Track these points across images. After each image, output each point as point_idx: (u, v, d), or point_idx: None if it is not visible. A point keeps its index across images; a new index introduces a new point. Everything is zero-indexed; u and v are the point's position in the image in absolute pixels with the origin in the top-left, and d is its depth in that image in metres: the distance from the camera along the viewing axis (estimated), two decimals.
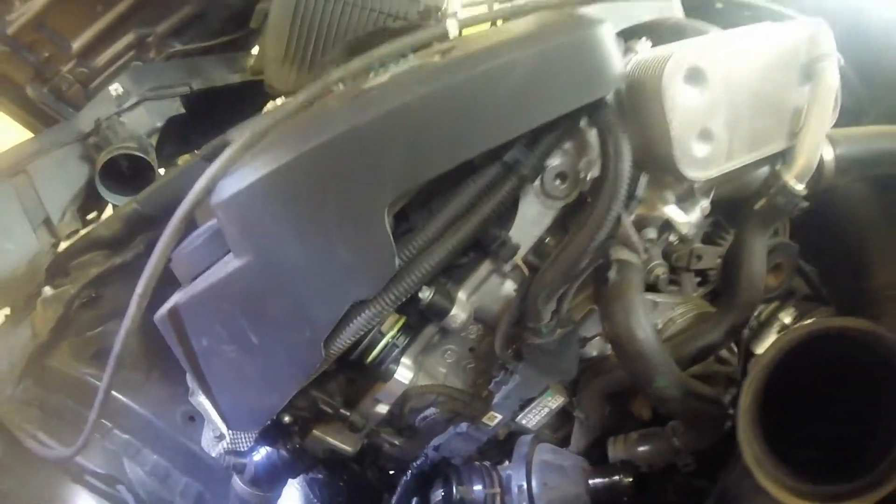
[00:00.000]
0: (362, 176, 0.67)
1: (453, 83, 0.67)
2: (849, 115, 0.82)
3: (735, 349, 0.93)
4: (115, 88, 1.18)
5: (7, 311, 1.16)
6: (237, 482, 0.92)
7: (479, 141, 0.68)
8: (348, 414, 0.84)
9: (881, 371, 0.69)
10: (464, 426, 0.87)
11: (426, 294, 0.77)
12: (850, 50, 0.82)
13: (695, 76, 0.70)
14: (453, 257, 0.75)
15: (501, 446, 0.93)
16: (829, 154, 0.81)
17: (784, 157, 0.76)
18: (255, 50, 1.41)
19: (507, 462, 0.90)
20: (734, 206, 0.85)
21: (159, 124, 1.22)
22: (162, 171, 1.23)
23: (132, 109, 1.19)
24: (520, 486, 0.85)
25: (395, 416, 0.90)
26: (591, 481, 0.87)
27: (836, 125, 0.78)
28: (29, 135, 1.38)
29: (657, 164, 0.75)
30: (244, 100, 1.36)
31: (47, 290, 1.06)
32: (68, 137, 1.17)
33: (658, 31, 0.83)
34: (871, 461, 0.67)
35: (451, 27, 0.76)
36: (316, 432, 0.87)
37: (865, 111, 1.04)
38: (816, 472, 0.68)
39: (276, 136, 0.72)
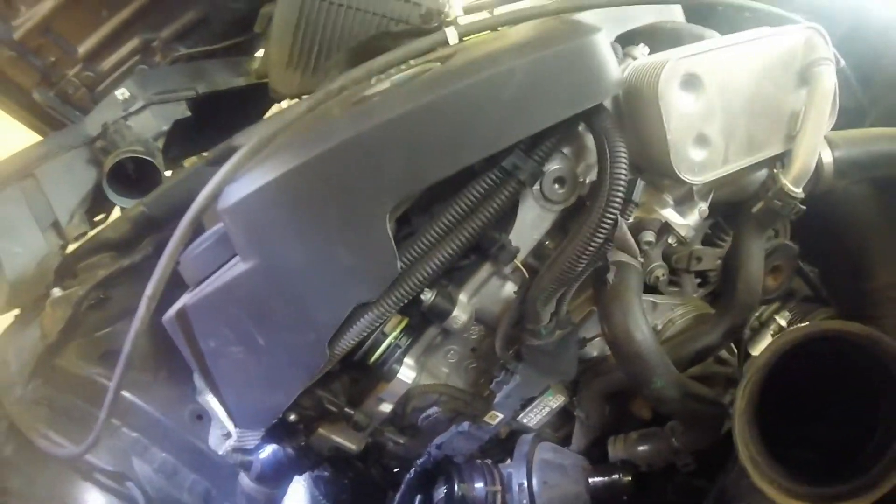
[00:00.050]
0: (364, 182, 0.69)
1: (452, 91, 0.68)
2: (849, 116, 0.83)
3: (735, 350, 0.94)
4: (121, 93, 1.18)
5: (16, 312, 1.17)
6: (244, 479, 0.93)
7: (477, 148, 0.69)
8: (352, 413, 0.85)
9: (878, 374, 0.69)
10: (466, 425, 0.89)
11: (428, 296, 0.79)
12: (851, 50, 0.82)
13: (691, 82, 0.71)
14: (454, 261, 0.76)
15: (503, 445, 0.94)
16: (827, 156, 0.82)
17: (782, 159, 0.77)
18: (259, 53, 1.42)
19: (508, 460, 0.91)
20: (734, 208, 0.86)
21: (165, 128, 1.23)
22: (168, 173, 1.24)
23: (139, 113, 1.19)
24: (520, 484, 0.87)
25: (399, 415, 0.91)
26: (591, 480, 0.88)
27: (836, 126, 0.78)
28: (36, 138, 1.39)
29: (655, 169, 0.76)
30: (249, 103, 1.37)
31: (56, 292, 1.07)
32: (75, 141, 1.18)
33: (656, 37, 0.84)
34: (867, 463, 0.68)
35: (451, 35, 0.77)
36: (321, 431, 0.89)
37: (866, 112, 1.04)
38: (813, 473, 0.69)
39: (280, 143, 0.73)
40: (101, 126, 1.18)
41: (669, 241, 0.86)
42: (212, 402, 0.84)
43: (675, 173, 0.72)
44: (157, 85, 1.23)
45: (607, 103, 0.74)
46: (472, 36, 0.83)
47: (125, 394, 1.04)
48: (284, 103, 1.29)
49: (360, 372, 0.86)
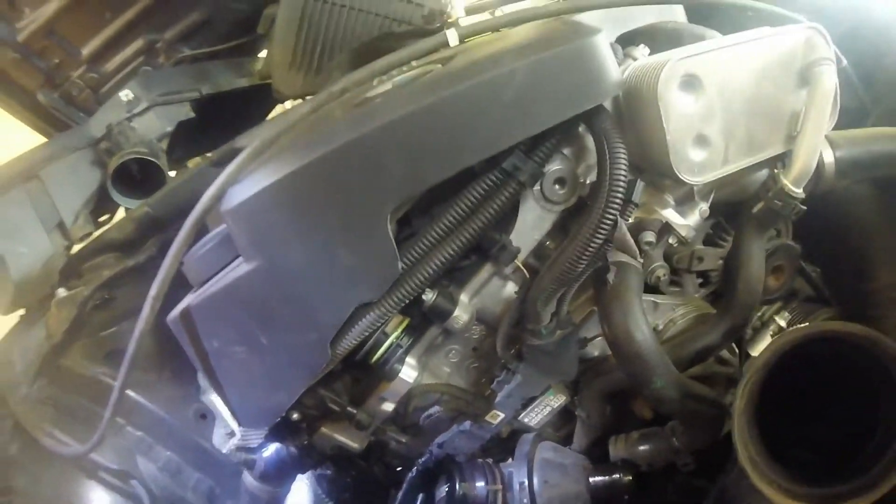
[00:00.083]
0: (365, 184, 0.69)
1: (452, 93, 0.68)
2: (851, 115, 0.83)
3: (737, 350, 0.94)
4: (125, 94, 1.19)
5: (22, 312, 1.18)
6: (247, 478, 0.93)
7: (477, 149, 0.70)
8: (355, 412, 0.86)
9: (878, 374, 0.69)
10: (467, 424, 0.89)
11: (429, 296, 0.79)
12: (853, 49, 0.82)
13: (690, 83, 0.71)
14: (455, 261, 0.76)
15: (504, 444, 0.94)
16: (829, 156, 0.81)
17: (783, 160, 0.77)
18: (262, 54, 1.42)
19: (509, 459, 0.91)
20: (735, 208, 0.86)
21: (169, 129, 1.23)
22: (172, 174, 1.25)
23: (142, 114, 1.20)
24: (521, 483, 0.87)
25: (400, 415, 0.91)
26: (591, 479, 0.88)
27: (838, 125, 0.78)
28: (39, 138, 1.40)
29: (655, 169, 0.76)
30: (252, 104, 1.37)
31: (61, 292, 1.07)
32: (80, 142, 1.18)
33: (657, 37, 0.84)
34: (867, 463, 0.68)
35: (452, 37, 0.78)
36: (324, 429, 0.89)
37: (867, 111, 1.04)
38: (812, 473, 0.69)
39: (282, 146, 0.74)
40: (105, 127, 1.19)
41: (670, 241, 0.86)
42: (216, 401, 0.84)
43: (675, 174, 0.72)
44: (160, 86, 1.24)
45: (607, 104, 0.74)
46: (473, 37, 0.83)
47: (130, 393, 1.05)
48: (288, 104, 1.29)
49: (362, 371, 0.87)
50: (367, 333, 0.76)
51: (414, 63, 0.81)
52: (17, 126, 1.41)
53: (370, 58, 0.80)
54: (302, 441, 0.90)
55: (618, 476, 0.87)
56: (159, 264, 0.75)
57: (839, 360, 0.73)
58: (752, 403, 0.69)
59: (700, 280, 0.98)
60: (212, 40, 1.34)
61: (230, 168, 0.72)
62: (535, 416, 0.91)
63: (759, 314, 1.03)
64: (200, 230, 0.76)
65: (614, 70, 0.71)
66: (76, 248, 1.17)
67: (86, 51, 1.28)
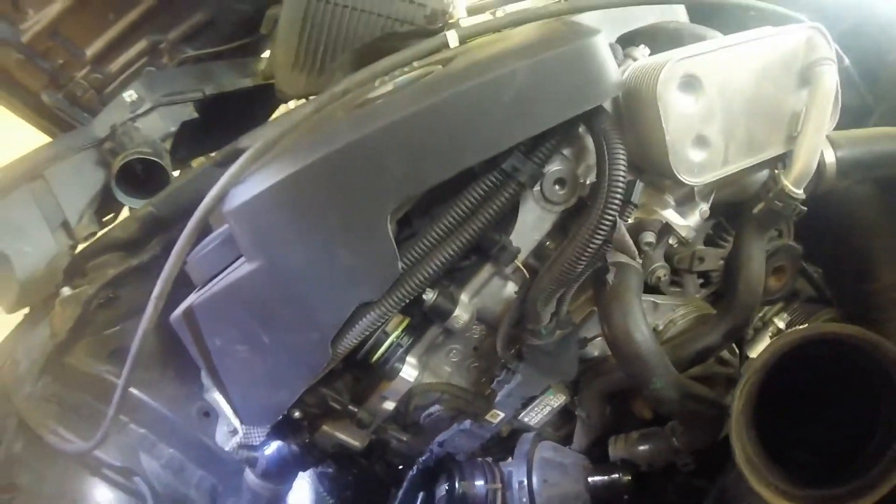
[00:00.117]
0: (366, 185, 0.70)
1: (453, 94, 0.68)
2: (853, 114, 0.83)
3: (738, 350, 0.94)
4: (129, 94, 1.20)
5: (26, 310, 1.19)
6: (249, 475, 0.94)
7: (478, 150, 0.70)
8: (356, 410, 0.86)
9: (878, 375, 0.69)
10: (467, 423, 0.89)
11: (430, 296, 0.80)
12: (855, 47, 0.82)
13: (690, 84, 0.71)
14: (455, 261, 0.77)
15: (504, 443, 0.95)
16: (830, 156, 0.81)
17: (783, 160, 0.77)
18: (265, 54, 1.43)
19: (509, 458, 0.92)
20: (736, 208, 0.86)
21: (173, 129, 1.24)
22: (176, 174, 1.25)
23: (146, 115, 1.21)
24: (520, 482, 0.87)
25: (401, 413, 0.92)
26: (591, 479, 0.88)
27: (841, 124, 0.78)
28: (42, 136, 1.41)
29: (654, 170, 0.76)
30: (255, 104, 1.38)
31: (65, 291, 1.08)
32: (84, 143, 1.19)
33: (658, 37, 0.84)
34: (866, 465, 0.68)
35: (452, 38, 0.78)
36: (325, 428, 0.90)
37: (870, 110, 1.03)
38: (811, 475, 0.69)
39: (284, 147, 0.74)
40: (109, 128, 1.20)
41: (671, 241, 0.86)
42: (218, 399, 0.85)
43: (675, 174, 0.72)
44: (164, 87, 1.25)
45: (607, 105, 0.74)
46: (474, 38, 0.83)
47: (133, 391, 1.05)
48: (291, 104, 1.30)
49: (363, 370, 0.87)
50: (367, 333, 0.77)
51: (415, 64, 0.81)
52: (19, 124, 1.42)
53: (373, 58, 0.81)
54: (303, 439, 0.90)
55: (617, 476, 0.88)
56: (163, 264, 0.76)
57: (839, 362, 0.73)
58: (751, 405, 0.69)
59: (701, 280, 0.98)
60: (215, 41, 1.34)
61: (232, 169, 0.72)
62: (534, 416, 0.91)
63: (761, 315, 1.03)
64: (204, 230, 0.77)
65: (614, 71, 0.71)
66: (80, 247, 1.18)
67: (90, 52, 1.29)
